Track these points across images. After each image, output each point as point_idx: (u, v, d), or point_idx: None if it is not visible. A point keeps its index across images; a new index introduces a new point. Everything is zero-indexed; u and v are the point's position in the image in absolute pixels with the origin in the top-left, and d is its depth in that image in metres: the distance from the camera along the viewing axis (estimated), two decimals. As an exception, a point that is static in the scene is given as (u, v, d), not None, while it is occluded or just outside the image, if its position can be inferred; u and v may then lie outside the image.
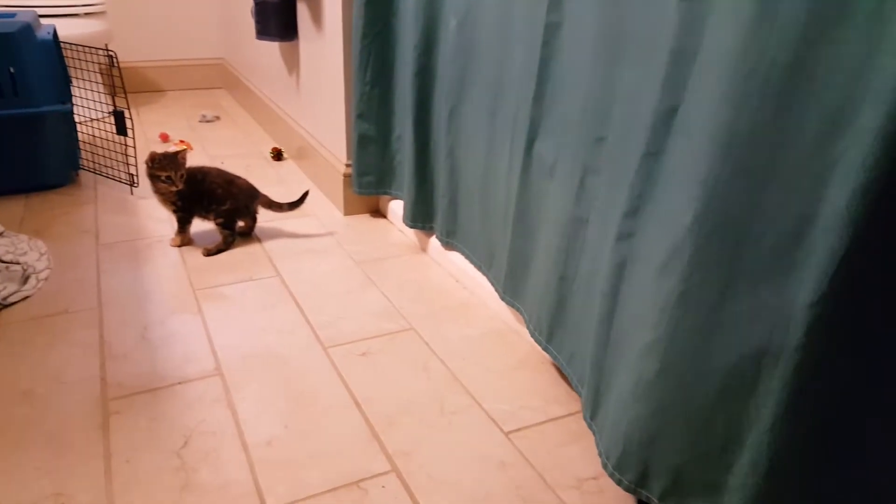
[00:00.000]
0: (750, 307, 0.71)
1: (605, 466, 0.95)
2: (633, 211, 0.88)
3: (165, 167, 1.63)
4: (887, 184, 0.58)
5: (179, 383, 1.22)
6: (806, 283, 0.65)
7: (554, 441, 1.12)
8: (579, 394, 1.14)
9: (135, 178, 2.09)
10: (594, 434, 1.03)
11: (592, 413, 1.03)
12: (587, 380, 1.04)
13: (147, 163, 1.64)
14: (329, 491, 1.00)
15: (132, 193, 2.09)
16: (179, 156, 1.66)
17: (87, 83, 2.49)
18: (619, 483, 0.92)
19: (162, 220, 1.89)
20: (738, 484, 0.76)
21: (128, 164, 2.10)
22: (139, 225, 1.87)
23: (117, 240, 1.78)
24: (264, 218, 1.88)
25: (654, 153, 0.84)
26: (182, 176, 1.65)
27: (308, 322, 1.44)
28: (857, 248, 0.61)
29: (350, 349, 1.35)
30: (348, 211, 2.02)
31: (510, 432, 1.14)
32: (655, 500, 0.88)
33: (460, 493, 1.01)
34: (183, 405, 1.16)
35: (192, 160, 1.72)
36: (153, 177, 1.65)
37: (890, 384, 0.66)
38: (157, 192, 1.69)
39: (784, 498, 0.74)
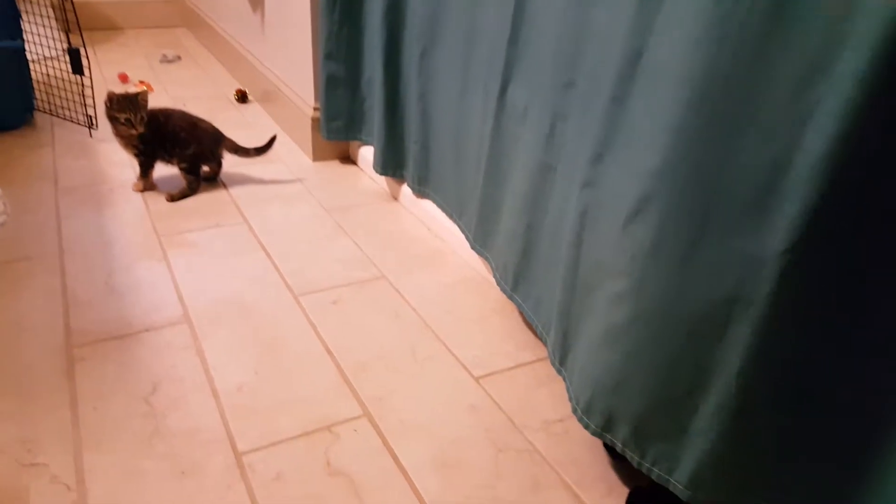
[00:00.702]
0: (722, 255, 0.71)
1: (574, 411, 0.97)
2: (597, 158, 0.88)
3: (125, 109, 1.57)
4: (865, 131, 0.58)
5: (146, 330, 1.20)
6: (779, 231, 0.65)
7: (523, 385, 1.14)
8: (544, 341, 1.15)
9: (93, 119, 2.02)
10: (564, 379, 1.04)
11: (561, 358, 1.04)
12: (554, 326, 1.05)
13: (105, 104, 1.58)
14: (301, 436, 1.00)
15: (91, 136, 2.01)
16: (140, 97, 1.59)
17: (38, 18, 2.37)
18: (586, 427, 0.94)
19: (123, 164, 1.84)
20: (702, 427, 0.78)
21: (85, 105, 2.02)
22: (100, 169, 1.82)
23: (77, 184, 1.72)
24: (230, 163, 1.84)
25: (619, 98, 0.83)
26: (143, 118, 1.59)
27: (277, 270, 1.42)
28: (831, 197, 0.61)
29: (321, 297, 1.34)
30: (317, 157, 1.98)
31: (480, 377, 1.16)
32: (619, 445, 0.90)
33: (431, 436, 1.02)
34: (150, 352, 1.15)
35: (154, 102, 1.66)
36: (112, 119, 1.59)
37: (858, 330, 0.67)
38: (118, 134, 1.63)
39: (748, 440, 0.76)
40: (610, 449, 1.00)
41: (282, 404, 1.06)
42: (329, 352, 1.19)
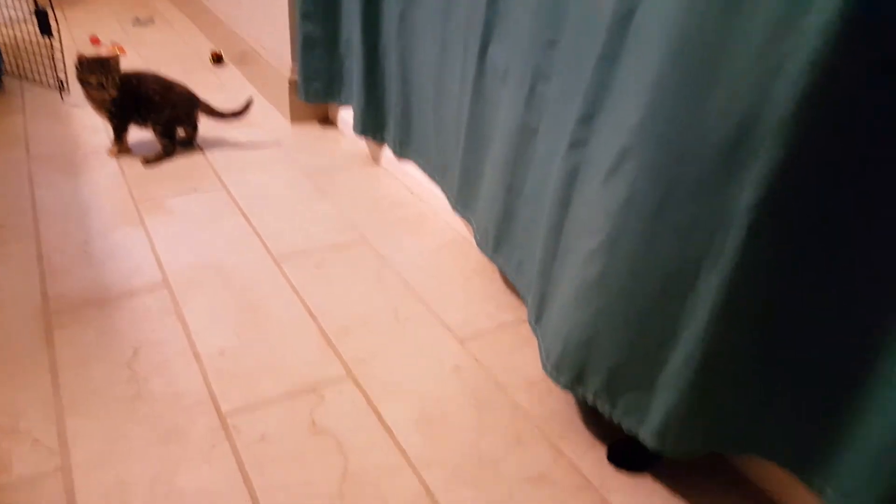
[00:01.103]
0: (692, 211, 0.72)
1: (543, 367, 0.98)
2: (588, 117, 0.87)
3: (96, 71, 1.53)
4: (832, 85, 0.58)
5: (126, 296, 1.19)
6: (747, 186, 0.65)
7: (506, 346, 1.15)
8: (525, 301, 1.15)
9: (64, 83, 1.97)
10: (538, 338, 1.05)
11: (537, 317, 1.05)
12: (533, 286, 1.05)
13: (76, 66, 1.54)
14: (285, 397, 1.00)
15: (63, 100, 1.97)
16: (111, 60, 1.55)
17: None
18: (556, 381, 0.96)
19: (97, 128, 1.80)
20: (670, 379, 0.80)
21: (55, 68, 1.97)
22: (73, 134, 1.78)
23: (50, 150, 1.69)
24: (206, 127, 1.81)
25: (609, 57, 0.82)
26: (115, 81, 1.56)
27: (257, 234, 1.41)
28: (799, 151, 0.61)
29: (302, 261, 1.33)
30: (295, 119, 1.96)
31: (464, 338, 1.16)
32: (590, 397, 0.92)
33: (415, 396, 1.03)
34: (130, 318, 1.14)
35: (127, 65, 1.62)
36: (83, 82, 1.56)
37: (824, 285, 0.68)
38: (90, 98, 1.60)
39: (713, 392, 0.77)
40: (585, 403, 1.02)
41: (265, 367, 1.06)
42: (312, 315, 1.18)
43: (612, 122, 0.83)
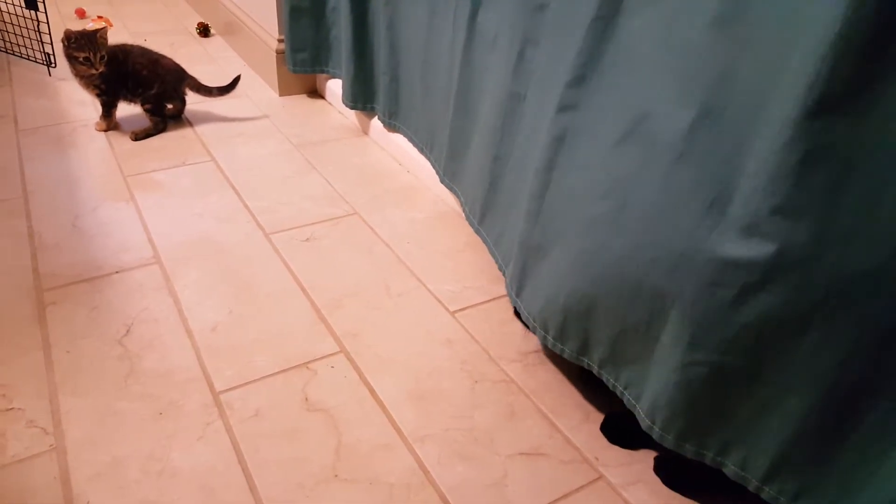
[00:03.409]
0: (699, 177, 0.71)
1: (543, 339, 0.98)
2: (578, 80, 0.85)
3: (83, 47, 1.50)
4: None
5: (117, 272, 1.18)
6: (754, 154, 0.64)
7: (498, 318, 1.15)
8: (504, 273, 1.14)
9: (51, 57, 1.94)
10: (520, 310, 1.04)
11: (518, 290, 1.04)
12: (514, 257, 1.04)
13: (63, 42, 1.51)
14: (278, 373, 1.01)
15: (50, 75, 1.94)
16: (99, 34, 1.52)
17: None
18: (561, 353, 0.96)
19: (85, 102, 1.77)
20: (662, 357, 0.80)
21: (42, 42, 1.94)
22: (61, 109, 1.75)
23: (38, 125, 1.66)
24: (193, 100, 1.78)
25: (604, 17, 0.80)
26: (102, 57, 1.53)
27: (247, 208, 1.40)
28: (811, 108, 0.60)
29: (292, 235, 1.33)
30: (283, 91, 1.93)
31: (455, 311, 1.16)
32: (595, 368, 0.92)
33: (408, 370, 1.03)
34: (122, 294, 1.13)
35: (113, 38, 1.59)
36: (71, 58, 1.53)
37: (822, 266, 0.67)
38: (77, 74, 1.57)
39: (699, 377, 0.76)
40: (583, 377, 1.02)
41: (257, 343, 1.06)
42: (303, 289, 1.18)
43: (614, 84, 0.81)
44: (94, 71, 1.53)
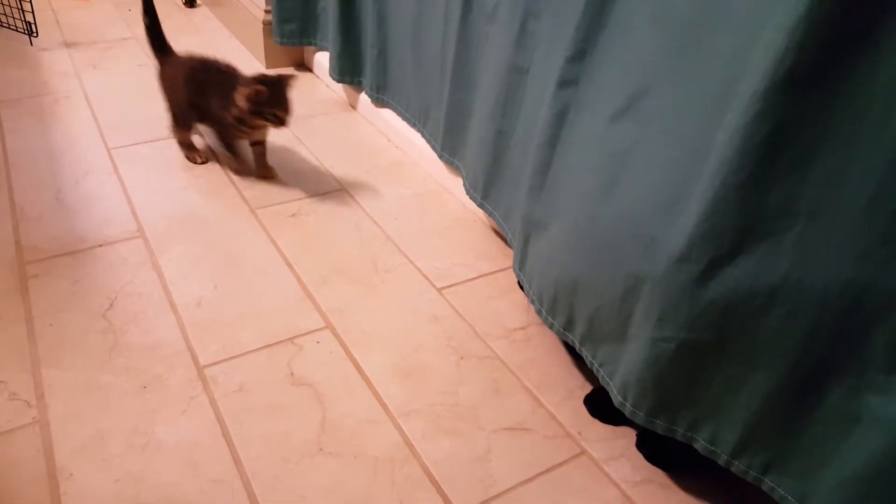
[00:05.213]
0: (681, 154, 0.71)
1: (538, 312, 0.98)
2: (579, 55, 0.84)
3: (277, 102, 1.24)
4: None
5: (100, 246, 1.17)
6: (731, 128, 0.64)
7: (484, 295, 1.15)
8: (512, 247, 1.14)
9: (32, 26, 1.90)
10: (522, 283, 1.05)
11: (521, 263, 1.05)
12: (518, 231, 1.05)
13: (249, 99, 1.24)
14: (263, 348, 1.00)
15: (32, 44, 1.90)
16: (286, 83, 1.27)
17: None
18: (550, 327, 0.96)
19: (67, 74, 1.74)
20: (635, 332, 0.80)
21: (23, 10, 1.89)
22: (42, 80, 1.72)
23: (20, 96, 1.63)
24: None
25: None
26: (289, 108, 1.28)
27: (232, 182, 1.39)
28: (784, 77, 0.59)
29: (279, 210, 1.32)
30: (270, 64, 1.91)
31: (442, 288, 1.16)
32: (577, 344, 0.93)
33: (394, 345, 1.03)
34: (106, 268, 1.12)
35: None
36: (254, 114, 1.25)
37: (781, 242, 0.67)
38: (247, 129, 1.31)
39: (666, 354, 0.76)
40: (572, 350, 1.03)
41: (243, 318, 1.05)
42: (289, 265, 1.18)
43: (613, 58, 0.80)
44: (283, 126, 1.29)
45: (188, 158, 1.42)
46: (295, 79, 1.29)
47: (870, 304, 0.61)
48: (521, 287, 1.08)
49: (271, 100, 1.24)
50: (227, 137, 1.36)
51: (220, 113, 1.30)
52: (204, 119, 1.38)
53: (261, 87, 1.23)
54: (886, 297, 0.60)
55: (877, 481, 0.64)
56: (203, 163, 1.42)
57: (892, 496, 0.63)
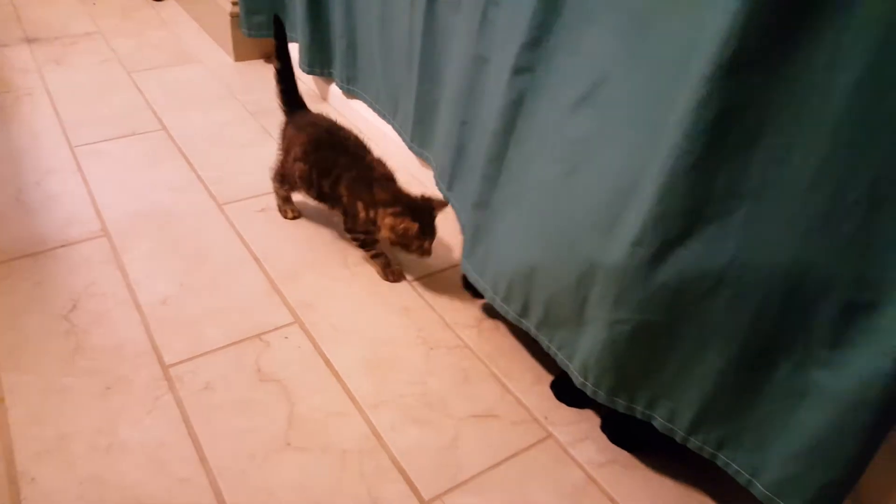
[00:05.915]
0: (640, 140, 0.70)
1: (492, 300, 0.98)
2: (534, 42, 0.83)
3: (424, 233, 1.10)
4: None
5: (62, 246, 1.15)
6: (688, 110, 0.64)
7: (455, 286, 1.14)
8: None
9: (-9, 22, 1.86)
10: (467, 273, 1.04)
11: (469, 253, 1.04)
12: (470, 219, 1.04)
13: (396, 233, 1.09)
14: (230, 345, 0.99)
15: (-10, 41, 1.86)
16: (435, 210, 1.13)
17: None
18: (506, 314, 0.96)
19: (28, 70, 1.71)
20: (591, 314, 0.81)
21: (-20, 6, 1.86)
22: (3, 77, 1.68)
23: (-22, 94, 1.60)
24: (144, 66, 1.73)
25: None
26: (434, 236, 1.14)
27: (200, 178, 1.37)
28: (730, 60, 0.60)
29: (247, 205, 1.30)
30: (239, 56, 1.88)
31: (413, 280, 1.16)
32: (533, 330, 0.93)
33: (364, 338, 1.03)
34: (68, 268, 1.11)
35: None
36: (400, 246, 1.11)
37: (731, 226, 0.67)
38: (374, 236, 1.16)
39: (623, 334, 0.77)
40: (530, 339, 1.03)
41: (209, 315, 1.04)
42: (257, 260, 1.16)
43: (572, 46, 0.79)
44: (426, 256, 1.13)
45: (280, 210, 1.29)
46: (445, 206, 1.14)
47: (813, 282, 0.62)
48: (466, 285, 1.08)
49: (419, 233, 1.10)
50: (352, 230, 1.18)
51: (347, 201, 1.15)
52: (324, 199, 1.19)
53: (411, 225, 1.08)
54: (828, 274, 0.61)
55: (823, 451, 0.65)
56: (294, 218, 1.28)
57: (837, 465, 0.65)
